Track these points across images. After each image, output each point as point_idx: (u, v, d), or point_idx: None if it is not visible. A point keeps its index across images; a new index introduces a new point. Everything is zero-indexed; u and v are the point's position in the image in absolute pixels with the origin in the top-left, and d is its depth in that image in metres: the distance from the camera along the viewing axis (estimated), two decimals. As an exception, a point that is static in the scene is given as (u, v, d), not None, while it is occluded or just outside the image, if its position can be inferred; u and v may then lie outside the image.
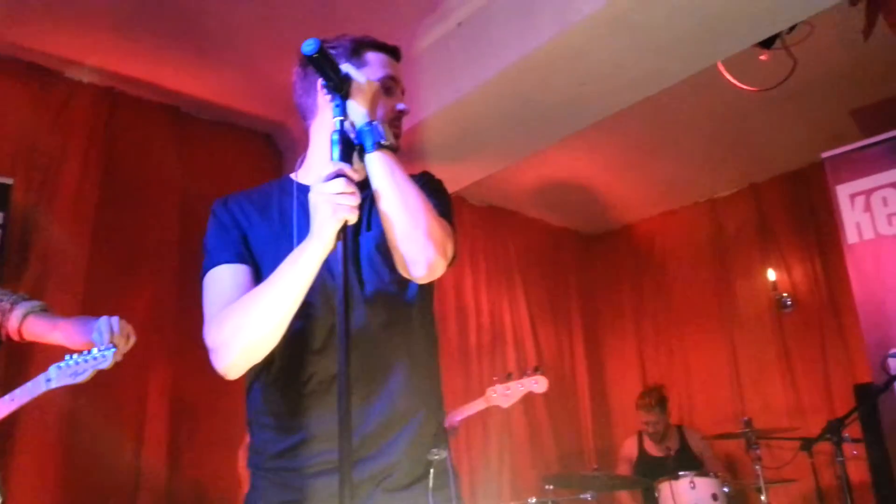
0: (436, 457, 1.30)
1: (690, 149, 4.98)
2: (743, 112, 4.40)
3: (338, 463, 1.13)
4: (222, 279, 1.46)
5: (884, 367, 2.67)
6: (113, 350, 2.03)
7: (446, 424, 3.17)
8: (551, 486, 4.15)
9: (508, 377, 3.26)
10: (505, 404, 3.24)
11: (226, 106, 4.15)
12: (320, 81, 1.43)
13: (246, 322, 1.35)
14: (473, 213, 5.55)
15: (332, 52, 1.42)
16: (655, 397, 4.76)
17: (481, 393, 4.97)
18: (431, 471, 1.31)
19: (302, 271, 1.31)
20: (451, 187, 4.29)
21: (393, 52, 1.59)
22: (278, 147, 4.49)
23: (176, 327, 3.58)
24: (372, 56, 1.54)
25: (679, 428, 4.90)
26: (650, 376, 5.84)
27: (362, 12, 3.11)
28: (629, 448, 4.95)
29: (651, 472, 4.37)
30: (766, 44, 3.28)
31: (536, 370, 3.24)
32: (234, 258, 1.48)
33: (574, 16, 2.84)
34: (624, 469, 4.86)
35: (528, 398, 3.43)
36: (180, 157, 4.01)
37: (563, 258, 6.21)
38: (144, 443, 3.52)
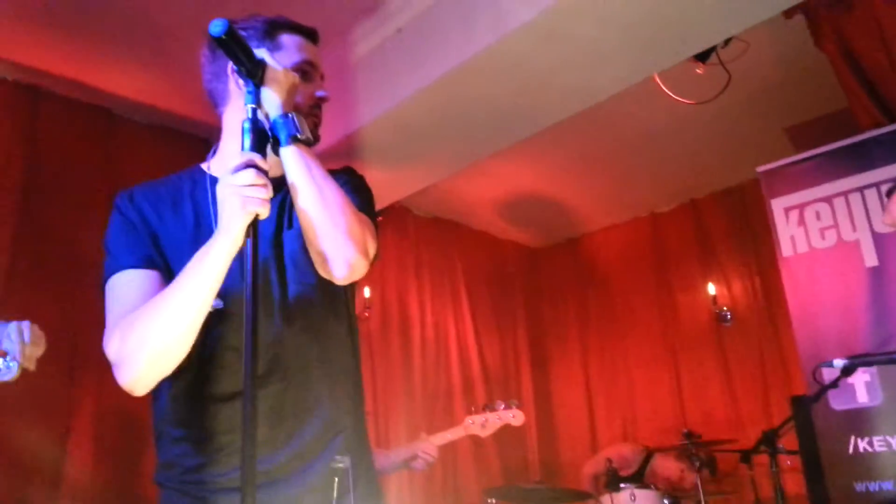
0: (339, 465, 1.23)
1: (631, 163, 5.04)
2: (682, 127, 4.47)
3: (262, 476, 1.06)
4: (127, 286, 1.35)
5: (816, 378, 2.69)
6: (17, 363, 1.89)
7: (420, 452, 3.18)
8: (493, 500, 4.12)
9: (485, 407, 3.38)
10: (483, 434, 3.36)
11: (160, 108, 4.02)
12: (231, 65, 1.34)
13: (151, 331, 1.24)
14: (418, 224, 5.51)
15: (244, 33, 1.33)
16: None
17: (425, 407, 4.96)
18: (336, 479, 1.24)
19: (209, 271, 1.21)
20: (392, 197, 4.31)
21: (310, 35, 1.49)
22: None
23: (101, 332, 3.41)
24: (287, 39, 1.45)
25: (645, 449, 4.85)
26: (594, 389, 5.87)
27: (297, 16, 3.04)
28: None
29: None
30: (702, 58, 3.33)
31: (513, 403, 3.35)
32: (141, 262, 1.36)
33: (511, 23, 2.83)
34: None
35: (471, 410, 3.51)
36: (110, 160, 3.87)
37: (508, 271, 6.20)
38: (69, 452, 3.37)
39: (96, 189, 3.75)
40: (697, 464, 3.87)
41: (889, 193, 1.87)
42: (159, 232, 1.41)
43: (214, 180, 1.42)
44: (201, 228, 1.40)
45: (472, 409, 3.43)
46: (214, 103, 1.50)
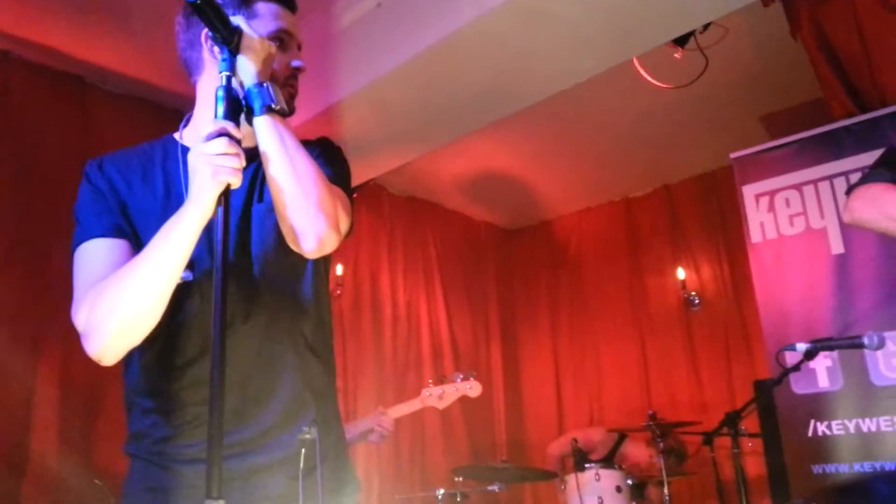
0: (306, 436, 1.23)
1: (607, 147, 5.06)
2: (658, 112, 4.49)
3: (226, 449, 1.06)
4: (95, 255, 1.33)
5: (779, 361, 2.74)
6: None
7: (376, 425, 3.17)
8: (461, 478, 4.15)
9: (443, 380, 3.35)
10: (440, 406, 3.33)
11: (134, 77, 3.94)
12: (206, 32, 1.31)
13: (119, 300, 1.22)
14: (393, 202, 5.49)
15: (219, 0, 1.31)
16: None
17: (395, 385, 4.97)
18: (303, 451, 1.24)
19: (179, 240, 1.19)
20: (368, 174, 4.28)
21: (287, 3, 1.46)
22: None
23: (68, 307, 3.36)
24: (263, 7, 1.41)
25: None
26: (563, 370, 5.93)
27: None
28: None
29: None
30: (681, 42, 3.35)
31: (470, 375, 3.33)
32: (110, 231, 1.34)
33: (492, 1, 2.81)
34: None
35: (429, 383, 3.52)
36: (82, 129, 3.79)
37: (481, 252, 6.22)
38: (33, 428, 3.32)
39: (68, 157, 3.67)
40: (661, 445, 3.93)
41: (848, 192, 1.89)
42: (128, 201, 1.39)
43: (186, 150, 1.38)
44: (171, 198, 1.38)
45: (431, 381, 3.40)
46: (188, 72, 1.47)
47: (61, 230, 3.50)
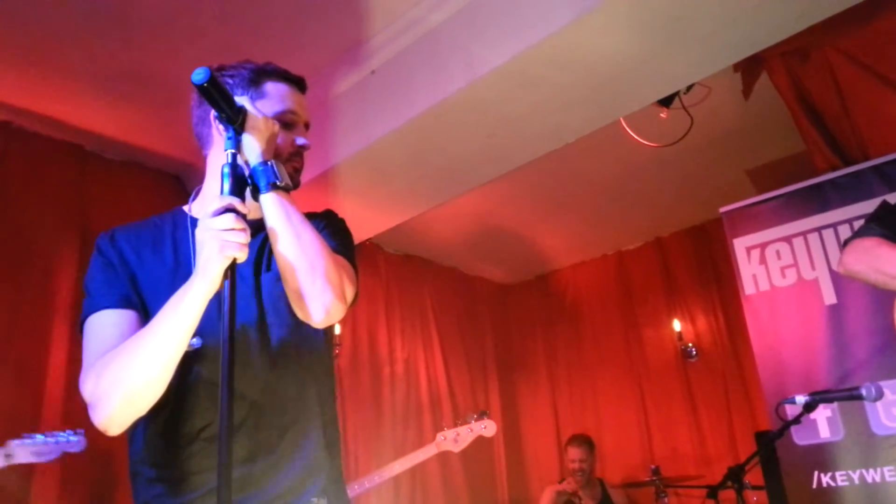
0: (315, 504, 1.23)
1: (599, 202, 5.13)
2: (647, 169, 4.57)
3: None
4: (104, 326, 1.35)
5: (779, 414, 2.75)
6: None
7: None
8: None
9: (457, 422, 3.33)
10: (456, 449, 3.32)
11: (133, 145, 4.01)
12: (213, 112, 1.37)
13: (126, 371, 1.24)
14: (389, 261, 5.53)
15: (230, 80, 1.37)
16: (584, 438, 4.79)
17: (394, 444, 4.91)
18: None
19: (186, 313, 1.22)
20: (364, 234, 4.33)
21: (297, 83, 1.52)
22: (187, 188, 4.35)
23: (72, 373, 3.35)
24: (272, 87, 1.47)
25: (601, 481, 4.89)
26: (563, 425, 5.87)
27: (275, 55, 3.08)
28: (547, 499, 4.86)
29: None
30: (666, 102, 3.44)
31: (484, 414, 3.33)
32: (119, 302, 1.37)
33: (482, 68, 2.90)
34: None
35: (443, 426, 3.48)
36: (82, 196, 3.83)
37: (478, 308, 6.23)
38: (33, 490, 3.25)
39: (68, 225, 3.71)
40: (666, 502, 3.90)
41: (844, 244, 1.98)
42: (138, 273, 1.42)
43: (195, 222, 1.42)
44: (181, 269, 1.41)
45: (444, 425, 3.37)
46: (200, 146, 1.53)
47: (64, 295, 3.54)
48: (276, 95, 1.47)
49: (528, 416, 6.16)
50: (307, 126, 1.53)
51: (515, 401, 6.22)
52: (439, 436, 3.30)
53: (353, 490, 3.33)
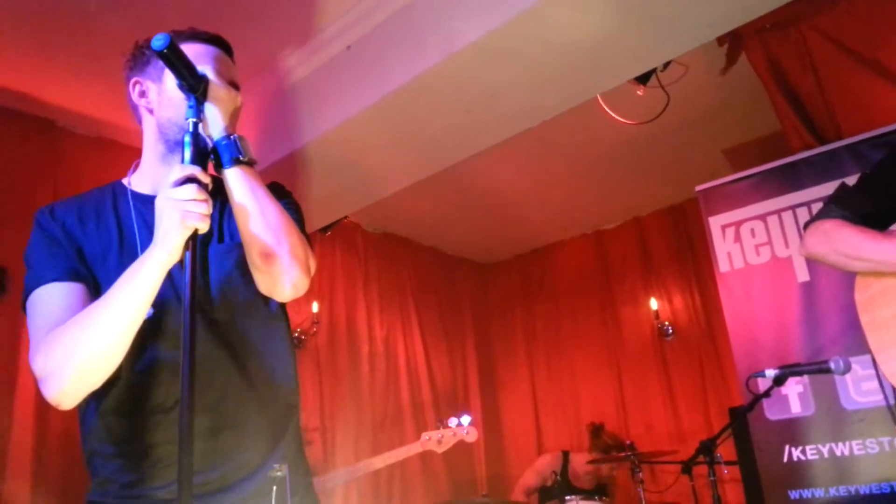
0: (277, 473, 1.23)
1: (578, 181, 5.14)
2: (625, 147, 4.59)
3: (198, 489, 1.07)
4: (52, 298, 1.32)
5: (749, 388, 2.78)
6: None
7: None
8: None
9: (441, 425, 3.51)
10: (439, 450, 3.49)
11: (105, 121, 3.95)
12: (138, 83, 1.36)
13: (79, 344, 1.22)
14: (368, 240, 5.51)
15: (147, 51, 1.37)
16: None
17: (373, 422, 4.93)
18: (274, 488, 1.24)
19: (143, 284, 1.20)
20: (342, 212, 4.31)
21: (212, 41, 1.46)
22: (161, 165, 4.30)
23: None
24: (185, 48, 1.35)
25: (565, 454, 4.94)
26: (541, 403, 5.93)
27: (249, 30, 3.04)
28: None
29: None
30: (643, 80, 3.44)
31: (468, 421, 3.49)
32: (66, 275, 1.34)
33: (458, 43, 2.88)
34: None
35: (421, 425, 3.57)
36: (54, 172, 3.77)
37: (457, 286, 6.24)
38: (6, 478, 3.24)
39: (40, 202, 3.64)
40: (640, 476, 3.95)
41: (805, 227, 1.98)
42: (85, 245, 1.39)
43: (136, 195, 1.45)
44: (126, 242, 1.40)
45: (437, 424, 3.55)
46: (137, 118, 1.51)
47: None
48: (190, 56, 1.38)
49: (507, 394, 6.21)
50: (235, 86, 1.44)
51: (494, 378, 6.26)
52: (424, 435, 3.48)
53: (333, 481, 3.44)
